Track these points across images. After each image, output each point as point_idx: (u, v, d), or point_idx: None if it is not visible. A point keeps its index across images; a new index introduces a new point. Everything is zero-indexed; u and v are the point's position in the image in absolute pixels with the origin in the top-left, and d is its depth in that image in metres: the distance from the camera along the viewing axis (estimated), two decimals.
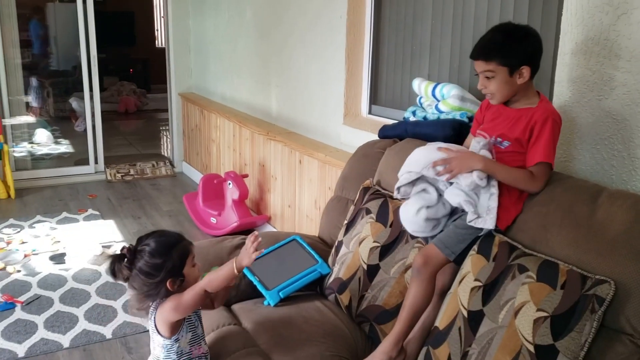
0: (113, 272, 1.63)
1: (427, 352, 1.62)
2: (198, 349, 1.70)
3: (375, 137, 2.50)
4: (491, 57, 1.64)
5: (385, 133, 2.42)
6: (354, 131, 3.03)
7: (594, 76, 1.76)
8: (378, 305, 1.89)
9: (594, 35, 1.74)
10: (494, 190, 1.64)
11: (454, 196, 1.68)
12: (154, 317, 1.64)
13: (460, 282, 1.61)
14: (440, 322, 1.63)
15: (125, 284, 1.66)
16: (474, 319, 1.51)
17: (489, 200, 1.64)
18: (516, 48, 1.64)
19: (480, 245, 1.63)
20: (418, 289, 1.70)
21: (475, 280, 1.56)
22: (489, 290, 1.52)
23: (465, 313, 1.54)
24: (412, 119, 2.39)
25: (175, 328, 1.64)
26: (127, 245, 1.64)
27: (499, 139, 1.70)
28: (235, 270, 1.62)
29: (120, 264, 1.61)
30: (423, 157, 1.76)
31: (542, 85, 2.10)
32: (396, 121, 2.52)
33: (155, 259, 1.59)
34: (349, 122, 3.14)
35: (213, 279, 1.62)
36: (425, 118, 2.32)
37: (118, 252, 1.65)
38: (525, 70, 1.63)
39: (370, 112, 3.13)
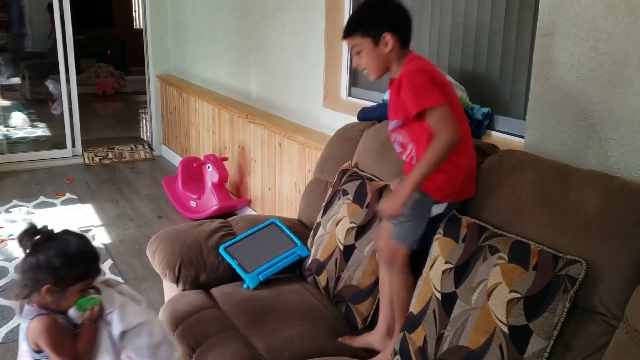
0: (20, 238, 1.51)
1: (402, 337, 1.64)
2: None
3: (355, 119, 2.49)
4: (353, 31, 1.68)
5: (365, 115, 2.42)
6: (334, 114, 3.01)
7: (571, 57, 1.76)
8: (353, 285, 1.90)
9: (572, 16, 1.74)
10: None
11: None
12: (27, 327, 1.53)
13: (432, 266, 1.62)
14: (415, 307, 1.64)
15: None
16: (448, 301, 1.53)
17: None
18: (374, 17, 1.65)
19: (446, 228, 1.64)
20: (392, 282, 1.72)
21: (446, 262, 1.57)
22: (460, 272, 1.53)
23: (438, 296, 1.56)
24: None
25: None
26: (48, 227, 1.54)
27: (400, 122, 1.67)
28: (94, 325, 1.55)
29: (31, 238, 1.50)
30: None
31: (521, 66, 2.11)
32: (375, 103, 2.51)
33: (56, 260, 1.48)
34: (328, 104, 3.13)
35: (84, 346, 1.53)
36: None
37: (38, 225, 1.55)
38: (389, 38, 1.62)
39: (349, 95, 3.12)
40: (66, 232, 1.58)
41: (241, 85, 4.17)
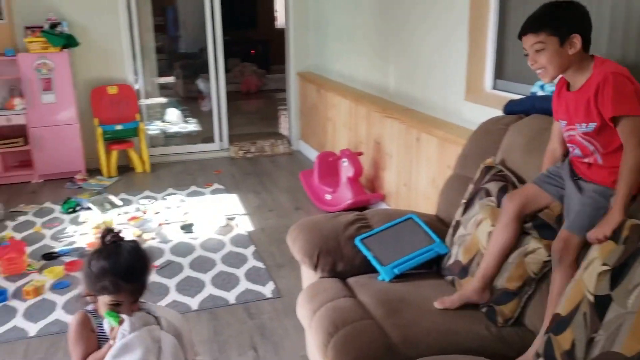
0: (99, 237, 1.61)
1: (547, 339, 1.55)
2: None
3: (500, 113, 2.39)
4: (540, 28, 1.64)
5: (511, 108, 2.32)
6: (477, 107, 2.92)
7: None
8: (499, 288, 1.84)
9: None
10: None
11: None
12: None
13: (586, 268, 1.52)
14: (563, 309, 1.54)
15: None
16: (601, 304, 1.43)
17: None
18: (564, 16, 1.64)
19: None
20: (561, 278, 1.67)
21: (603, 264, 1.47)
22: (617, 274, 1.42)
23: (591, 298, 1.46)
24: (540, 93, 2.25)
25: None
26: (119, 235, 1.60)
27: (583, 125, 1.65)
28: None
29: (105, 237, 1.59)
30: None
31: None
32: (523, 96, 2.39)
33: (92, 265, 1.54)
34: (471, 97, 3.04)
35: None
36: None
37: (116, 229, 1.63)
38: (577, 39, 1.61)
39: (494, 87, 3.00)
40: (128, 245, 1.59)
41: (379, 80, 4.18)
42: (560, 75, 1.73)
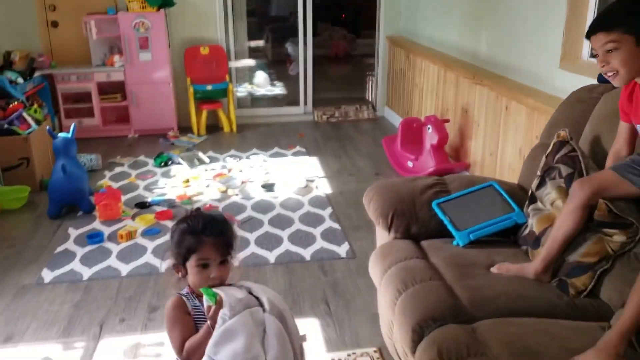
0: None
1: None
2: None
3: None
4: (613, 25, 1.48)
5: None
6: (572, 76, 2.76)
7: None
8: (571, 262, 1.77)
9: None
10: None
11: None
12: None
13: None
14: None
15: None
16: None
17: None
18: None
19: None
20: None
21: None
22: None
23: None
24: None
25: None
26: (200, 210, 1.58)
27: None
28: (211, 328, 1.40)
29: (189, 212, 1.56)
30: None
31: None
32: None
33: (174, 234, 1.52)
34: (566, 65, 2.87)
35: (193, 343, 1.43)
36: None
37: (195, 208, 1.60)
38: None
39: (592, 55, 2.82)
40: (206, 212, 1.57)
41: (470, 45, 4.04)
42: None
